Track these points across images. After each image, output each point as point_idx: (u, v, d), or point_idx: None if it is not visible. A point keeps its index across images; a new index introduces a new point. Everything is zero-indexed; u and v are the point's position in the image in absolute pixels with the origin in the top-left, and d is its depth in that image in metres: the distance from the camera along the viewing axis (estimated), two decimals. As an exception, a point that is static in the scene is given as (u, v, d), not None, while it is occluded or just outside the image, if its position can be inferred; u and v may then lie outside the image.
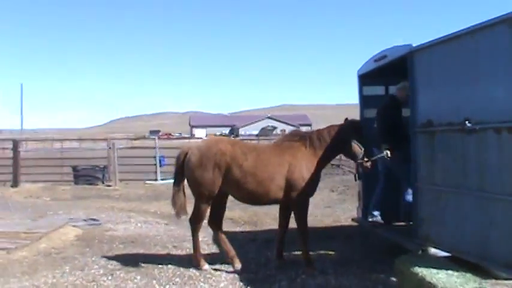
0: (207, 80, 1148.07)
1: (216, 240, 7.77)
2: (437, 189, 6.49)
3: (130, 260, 8.06)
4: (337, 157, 25.90)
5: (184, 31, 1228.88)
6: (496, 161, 5.42)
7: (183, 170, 7.34)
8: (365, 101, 9.46)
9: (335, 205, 15.38)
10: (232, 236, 9.80)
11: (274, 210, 13.66)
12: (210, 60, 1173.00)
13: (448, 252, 6.28)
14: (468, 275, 5.24)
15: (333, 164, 28.33)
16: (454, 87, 6.08)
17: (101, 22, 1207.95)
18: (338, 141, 7.46)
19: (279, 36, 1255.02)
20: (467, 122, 5.82)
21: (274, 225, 11.24)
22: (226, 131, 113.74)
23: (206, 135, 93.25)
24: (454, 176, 6.15)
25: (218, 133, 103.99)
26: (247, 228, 11.41)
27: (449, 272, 5.33)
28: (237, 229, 11.30)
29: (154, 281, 7.04)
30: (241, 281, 7.12)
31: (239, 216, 12.90)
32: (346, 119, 7.79)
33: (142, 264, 7.80)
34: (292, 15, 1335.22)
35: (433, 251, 6.72)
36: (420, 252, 6.85)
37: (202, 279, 7.14)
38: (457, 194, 6.08)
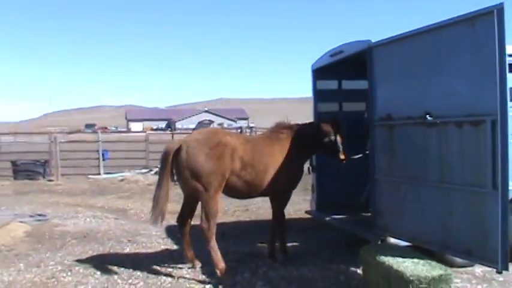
0: (143, 74, 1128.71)
1: (181, 238, 7.45)
2: (396, 181, 6.61)
3: (86, 255, 7.81)
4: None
5: (121, 25, 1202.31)
6: (457, 153, 5.57)
7: (171, 168, 6.64)
8: (319, 95, 9.53)
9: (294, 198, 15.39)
10: (197, 230, 9.70)
11: (225, 203, 13.67)
12: (146, 54, 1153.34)
13: (408, 241, 6.40)
14: (433, 263, 5.37)
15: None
16: (415, 83, 6.19)
17: (34, 11, 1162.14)
18: (321, 136, 7.49)
19: (215, 30, 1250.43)
20: (428, 115, 5.94)
21: (224, 218, 11.29)
22: (163, 124, 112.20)
23: (143, 129, 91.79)
24: (414, 168, 6.28)
25: (155, 127, 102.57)
26: (199, 222, 11.24)
27: (415, 260, 5.45)
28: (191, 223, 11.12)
29: (115, 276, 6.84)
30: (203, 273, 7.03)
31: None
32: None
33: (100, 259, 7.56)
34: (227, 9, 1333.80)
35: (392, 240, 6.87)
36: (379, 242, 6.99)
37: (164, 272, 7.01)
38: (417, 185, 6.21)
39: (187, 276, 6.94)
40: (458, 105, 5.54)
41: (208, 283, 6.64)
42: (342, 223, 8.32)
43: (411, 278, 4.95)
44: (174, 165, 6.60)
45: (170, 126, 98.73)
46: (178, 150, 6.52)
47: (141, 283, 6.62)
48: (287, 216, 11.75)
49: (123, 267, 7.22)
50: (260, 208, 13.27)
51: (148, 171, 19.15)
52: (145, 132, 62.92)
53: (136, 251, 8.31)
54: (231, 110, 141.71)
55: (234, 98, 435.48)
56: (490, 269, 6.41)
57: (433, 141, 5.94)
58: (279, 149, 7.23)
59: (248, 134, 23.47)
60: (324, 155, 8.09)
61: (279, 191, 7.36)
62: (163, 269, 7.19)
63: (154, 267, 7.28)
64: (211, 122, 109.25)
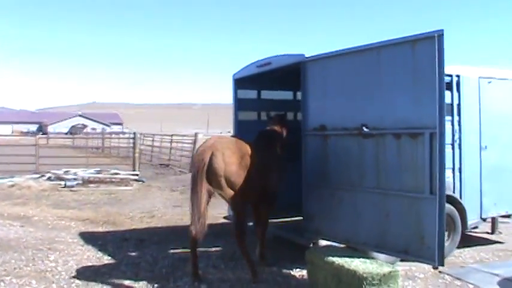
0: (10, 75, 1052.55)
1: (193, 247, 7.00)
2: (329, 187, 6.99)
3: (12, 265, 7.32)
4: (166, 157, 26.19)
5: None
6: (395, 162, 6.07)
7: (206, 175, 6.44)
8: (239, 103, 9.74)
9: (182, 204, 15.44)
10: (102, 237, 9.49)
11: (127, 209, 13.45)
12: (14, 55, 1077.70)
13: (342, 243, 6.79)
14: (379, 261, 5.80)
15: (162, 164, 28.35)
16: (352, 97, 6.63)
17: None
18: (285, 139, 7.89)
19: (88, 33, 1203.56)
20: (364, 127, 6.40)
21: (134, 224, 11.15)
22: (34, 128, 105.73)
23: (12, 132, 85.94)
24: (349, 175, 6.70)
25: (25, 130, 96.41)
26: (110, 228, 10.97)
27: (362, 259, 5.84)
28: (100, 229, 10.82)
29: (53, 285, 6.51)
30: (142, 279, 6.92)
31: (94, 216, 12.42)
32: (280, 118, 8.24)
33: (29, 268, 7.15)
34: (100, 12, 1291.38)
35: (323, 243, 7.25)
36: (311, 245, 7.34)
37: (104, 281, 6.79)
38: (353, 191, 6.63)
39: (127, 281, 6.79)
40: (396, 118, 6.03)
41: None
42: (273, 228, 8.51)
43: (364, 275, 5.31)
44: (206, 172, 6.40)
45: (42, 129, 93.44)
46: (212, 158, 6.40)
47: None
48: (211, 221, 11.91)
49: (57, 275, 6.91)
50: (165, 214, 13.24)
51: (40, 177, 18.07)
52: (15, 136, 59.04)
53: (63, 258, 7.91)
54: (105, 115, 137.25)
55: (107, 102, 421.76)
56: (408, 267, 7.08)
57: (370, 151, 6.39)
58: (269, 154, 7.40)
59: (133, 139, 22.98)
60: None
61: (272, 194, 7.45)
62: (99, 276, 6.98)
63: (89, 274, 7.03)
64: (85, 126, 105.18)
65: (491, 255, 8.38)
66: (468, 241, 8.84)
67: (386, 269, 5.45)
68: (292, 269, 7.43)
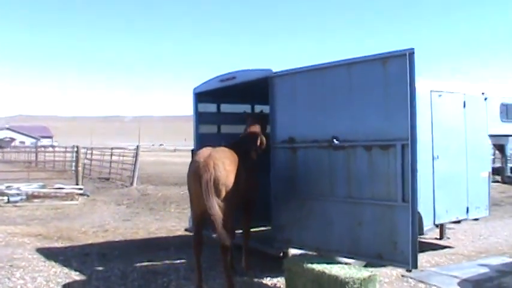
0: None
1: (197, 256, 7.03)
2: (299, 198, 7.19)
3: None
4: (106, 170, 25.75)
5: None
6: (367, 172, 6.36)
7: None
8: (200, 117, 9.82)
9: (132, 218, 15.31)
10: (61, 252, 9.33)
11: (78, 224, 13.15)
12: None
13: (313, 251, 6.99)
14: (356, 266, 6.04)
15: (101, 178, 27.76)
16: (322, 111, 6.87)
17: None
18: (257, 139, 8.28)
19: (14, 43, 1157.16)
20: (335, 140, 6.67)
21: (89, 239, 10.96)
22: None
23: None
24: (319, 186, 6.94)
25: None
26: (67, 244, 10.68)
27: (339, 265, 6.05)
28: (56, 245, 10.52)
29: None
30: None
31: (45, 232, 12.07)
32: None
33: None
34: (24, 19, 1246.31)
35: (293, 252, 7.43)
36: (281, 254, 7.50)
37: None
38: (323, 201, 6.86)
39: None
40: (367, 131, 6.33)
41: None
42: (239, 239, 8.54)
43: (346, 280, 5.53)
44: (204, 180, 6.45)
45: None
46: (215, 168, 6.52)
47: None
48: (151, 235, 11.88)
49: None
50: (117, 228, 13.07)
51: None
52: None
53: (29, 275, 7.68)
54: (34, 128, 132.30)
55: (35, 114, 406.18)
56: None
57: (340, 162, 6.66)
58: (250, 161, 7.66)
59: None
60: None
61: (253, 199, 7.70)
62: None
63: None
64: (13, 139, 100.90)
65: (444, 259, 8.87)
66: (421, 247, 9.27)
67: (365, 273, 5.70)
68: (262, 278, 7.55)
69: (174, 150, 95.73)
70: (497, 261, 8.70)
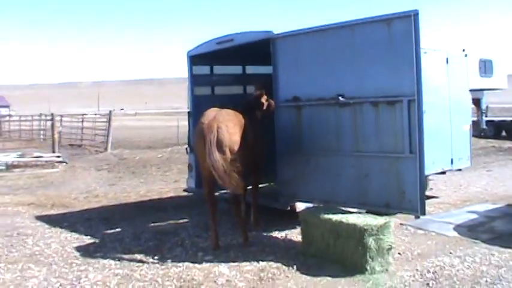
0: None
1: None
2: (304, 154, 7.57)
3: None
4: (79, 138, 25.54)
5: None
6: (373, 127, 6.77)
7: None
8: (195, 79, 10.01)
9: (117, 182, 15.48)
10: (62, 219, 9.64)
11: (65, 191, 13.27)
12: None
13: (321, 203, 7.40)
14: (369, 214, 6.49)
15: (73, 144, 27.56)
16: (327, 70, 7.21)
17: None
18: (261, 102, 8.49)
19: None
20: (340, 97, 7.03)
21: (84, 204, 11.23)
22: None
23: None
24: (325, 141, 7.32)
25: None
26: (63, 210, 10.84)
27: (353, 215, 6.50)
28: (53, 212, 10.68)
29: (54, 266, 6.61)
30: (137, 252, 7.14)
31: (36, 200, 12.17)
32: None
33: (16, 254, 7.28)
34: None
35: (299, 205, 7.86)
36: (288, 208, 7.92)
37: (99, 257, 6.96)
38: (329, 155, 7.27)
39: (124, 255, 6.98)
40: (373, 88, 6.71)
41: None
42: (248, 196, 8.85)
43: (365, 227, 5.98)
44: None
45: None
46: (219, 130, 6.90)
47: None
48: (143, 198, 12.16)
49: (50, 258, 7.07)
50: (107, 193, 13.28)
51: None
52: None
53: (42, 241, 7.92)
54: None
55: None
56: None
57: (347, 118, 7.04)
58: (256, 122, 8.01)
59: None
60: None
61: (261, 157, 8.03)
62: (91, 254, 7.21)
63: (80, 253, 7.26)
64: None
65: (433, 208, 9.47)
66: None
67: (381, 220, 6.16)
68: (271, 232, 7.97)
69: (135, 114, 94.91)
70: (482, 208, 9.38)
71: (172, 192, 12.91)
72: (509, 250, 6.69)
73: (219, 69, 10.53)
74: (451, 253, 6.69)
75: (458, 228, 7.90)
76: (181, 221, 9.20)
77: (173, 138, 29.92)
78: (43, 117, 32.36)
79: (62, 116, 30.17)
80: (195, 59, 9.87)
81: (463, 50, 10.29)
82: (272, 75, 7.98)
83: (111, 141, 24.58)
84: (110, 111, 24.95)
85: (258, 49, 8.70)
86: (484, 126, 19.44)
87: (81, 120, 29.33)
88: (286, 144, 7.79)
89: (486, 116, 20.86)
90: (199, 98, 9.99)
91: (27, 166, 17.41)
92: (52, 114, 22.42)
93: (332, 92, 7.12)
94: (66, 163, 19.12)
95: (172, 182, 15.14)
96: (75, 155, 23.54)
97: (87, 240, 7.98)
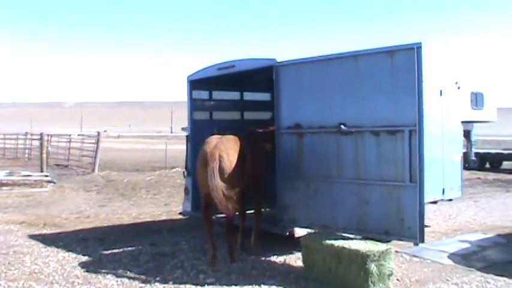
0: None
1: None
2: (305, 180, 7.74)
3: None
4: (65, 157, 25.45)
5: None
6: (374, 155, 6.98)
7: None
8: (194, 104, 10.18)
9: (107, 204, 15.48)
10: (57, 239, 9.64)
11: (55, 211, 13.22)
12: None
13: (320, 229, 7.54)
14: (369, 241, 6.64)
15: (59, 164, 27.41)
16: (329, 98, 7.43)
17: None
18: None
19: None
20: (342, 125, 7.24)
21: (76, 225, 11.22)
22: None
23: None
24: (325, 168, 7.50)
25: None
26: (56, 230, 10.82)
27: (354, 241, 6.65)
28: (46, 231, 10.65)
29: (56, 285, 6.65)
30: (138, 273, 7.19)
31: (26, 219, 12.12)
32: None
33: (15, 272, 7.32)
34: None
35: (297, 230, 7.99)
36: (287, 233, 8.05)
37: (99, 277, 7.00)
38: (330, 182, 7.44)
39: (124, 275, 7.03)
40: (374, 118, 6.94)
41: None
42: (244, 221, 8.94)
43: (367, 253, 6.14)
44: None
45: None
46: (220, 159, 7.36)
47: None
48: (136, 220, 12.18)
49: (50, 276, 7.11)
50: (98, 214, 13.29)
51: None
52: None
53: (40, 260, 7.97)
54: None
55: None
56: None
57: (348, 147, 7.24)
58: (260, 150, 8.48)
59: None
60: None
61: (262, 182, 8.48)
62: (91, 273, 7.25)
63: (80, 272, 7.29)
64: None
65: (426, 236, 9.61)
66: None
67: (383, 246, 6.33)
68: (270, 256, 8.07)
69: (118, 137, 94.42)
70: (473, 237, 9.60)
71: (165, 215, 12.98)
72: (504, 278, 6.88)
73: (218, 95, 10.71)
74: (447, 280, 6.86)
75: (452, 256, 8.09)
76: (178, 243, 9.22)
77: (159, 161, 29.99)
78: (29, 136, 32.16)
79: (50, 135, 29.98)
80: (195, 84, 10.05)
81: (456, 83, 10.62)
82: (274, 102, 8.16)
83: (99, 162, 24.51)
84: (98, 133, 24.94)
85: (257, 75, 8.94)
86: (473, 158, 19.86)
87: (68, 140, 29.12)
88: (287, 169, 7.95)
89: (476, 148, 21.30)
90: (198, 122, 10.14)
91: (16, 185, 17.32)
92: (41, 134, 22.33)
93: (334, 121, 7.33)
94: (55, 183, 19.04)
95: (162, 205, 15.20)
96: (62, 175, 23.41)
97: (85, 260, 7.99)
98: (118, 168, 26.61)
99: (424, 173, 6.55)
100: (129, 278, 6.96)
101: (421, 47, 6.46)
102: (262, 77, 9.55)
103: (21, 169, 22.09)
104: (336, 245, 6.51)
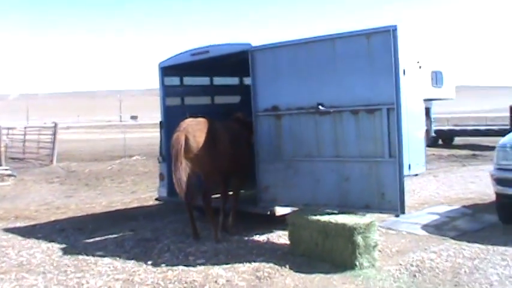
0: None
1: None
2: (284, 160, 7.99)
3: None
4: (20, 150, 24.73)
5: None
6: (353, 133, 7.28)
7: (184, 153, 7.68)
8: (166, 90, 10.26)
9: (73, 194, 15.35)
10: (34, 230, 9.64)
11: (22, 204, 13.06)
12: None
13: (302, 207, 7.81)
14: (352, 215, 6.96)
15: (14, 158, 26.74)
16: (307, 80, 7.66)
17: None
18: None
19: None
20: (320, 106, 7.51)
21: (49, 216, 11.18)
22: None
23: None
24: (305, 148, 7.76)
25: None
26: (30, 222, 10.68)
27: (339, 215, 6.96)
28: (20, 224, 10.52)
29: (49, 274, 6.67)
30: (127, 259, 7.28)
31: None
32: None
33: (3, 265, 7.26)
34: None
35: (278, 209, 8.25)
36: (268, 212, 8.30)
37: (90, 264, 7.08)
38: (310, 161, 7.71)
39: (114, 261, 7.13)
40: (352, 97, 7.23)
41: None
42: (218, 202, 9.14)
43: (354, 226, 6.46)
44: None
45: None
46: (186, 140, 7.69)
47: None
48: (108, 208, 12.19)
49: (41, 267, 7.12)
50: (67, 205, 13.17)
51: None
52: None
53: (24, 252, 7.94)
54: None
55: None
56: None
57: (327, 126, 7.51)
58: (241, 134, 8.81)
59: None
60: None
61: (243, 168, 8.75)
62: (80, 261, 7.29)
63: (69, 261, 7.33)
64: None
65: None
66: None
67: (367, 219, 6.67)
68: (252, 236, 8.31)
69: (67, 128, 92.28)
70: (441, 209, 10.15)
71: (136, 203, 12.99)
72: (477, 245, 7.35)
73: (189, 80, 10.81)
74: (425, 249, 7.27)
75: (425, 227, 8.56)
76: (158, 229, 9.32)
77: (115, 150, 29.71)
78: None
79: (9, 128, 29.16)
80: (166, 70, 10.11)
81: (418, 62, 11.06)
82: (251, 85, 8.33)
83: (55, 154, 24.09)
84: (55, 124, 24.49)
85: (227, 60, 9.12)
86: (433, 134, 20.64)
87: (23, 133, 28.38)
88: (266, 151, 8.16)
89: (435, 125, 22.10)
90: (170, 108, 10.23)
91: (-24, 179, 16.87)
92: (-1, 127, 21.72)
93: (312, 102, 7.58)
94: (15, 176, 18.64)
95: (129, 193, 15.18)
96: (20, 168, 22.82)
97: (70, 249, 7.97)
98: (76, 159, 26.17)
99: (402, 148, 6.88)
100: (120, 264, 7.03)
101: (396, 29, 6.76)
102: (231, 61, 9.72)
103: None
104: (322, 220, 6.80)
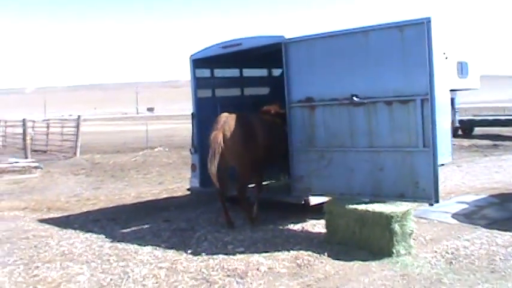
0: None
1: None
2: (318, 150, 8.15)
3: (24, 253, 7.53)
4: (44, 143, 25.13)
5: None
6: (387, 124, 7.42)
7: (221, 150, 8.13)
8: (198, 82, 10.45)
9: (101, 186, 15.61)
10: (68, 221, 9.89)
11: (52, 195, 13.36)
12: None
13: (337, 196, 7.97)
14: (390, 203, 7.12)
15: (37, 150, 27.15)
16: (340, 72, 7.79)
17: None
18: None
19: None
20: (354, 97, 7.65)
21: (81, 207, 11.45)
22: None
23: None
24: (339, 139, 7.92)
25: None
26: (62, 214, 10.93)
27: (376, 204, 7.12)
28: (53, 215, 10.77)
29: (92, 263, 6.94)
30: (167, 247, 7.50)
31: (26, 205, 12.13)
32: None
33: (46, 254, 7.51)
34: None
35: (312, 199, 8.43)
36: (303, 202, 8.47)
37: (131, 253, 7.31)
38: (344, 152, 7.87)
39: (154, 250, 7.38)
40: (386, 88, 7.36)
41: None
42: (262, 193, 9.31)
43: (391, 215, 6.63)
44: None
45: None
46: (224, 138, 8.11)
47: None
48: (139, 199, 12.43)
49: (83, 256, 7.34)
50: (96, 196, 13.40)
51: None
52: None
53: (64, 242, 8.15)
54: None
55: None
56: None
57: (361, 117, 7.65)
58: (275, 126, 9.19)
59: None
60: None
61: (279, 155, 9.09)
62: (121, 251, 7.53)
63: (110, 251, 7.54)
64: None
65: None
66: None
67: (404, 208, 6.83)
68: (287, 225, 8.49)
69: (84, 120, 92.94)
70: (468, 198, 10.26)
71: (165, 193, 13.22)
72: (509, 233, 7.48)
73: (219, 72, 11.00)
74: (459, 237, 7.41)
75: (456, 216, 8.69)
76: (191, 219, 9.51)
77: (135, 142, 30.08)
78: (2, 123, 31.69)
79: (34, 121, 29.64)
80: (197, 63, 10.30)
81: (444, 53, 11.12)
82: (284, 77, 8.48)
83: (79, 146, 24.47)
84: (79, 116, 24.84)
85: (256, 52, 9.30)
86: (457, 124, 20.65)
87: (46, 125, 28.83)
88: (300, 141, 8.34)
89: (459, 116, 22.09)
90: (201, 100, 10.43)
91: (4, 172, 17.24)
92: (24, 120, 22.13)
93: (345, 93, 7.72)
94: (42, 168, 18.98)
95: (157, 184, 15.43)
96: (45, 160, 23.22)
97: (109, 239, 8.17)
98: (98, 151, 26.55)
99: (436, 138, 7.00)
100: (160, 252, 7.25)
101: (430, 21, 6.87)
102: (260, 53, 9.88)
103: (2, 156, 21.86)
104: (359, 209, 6.96)
